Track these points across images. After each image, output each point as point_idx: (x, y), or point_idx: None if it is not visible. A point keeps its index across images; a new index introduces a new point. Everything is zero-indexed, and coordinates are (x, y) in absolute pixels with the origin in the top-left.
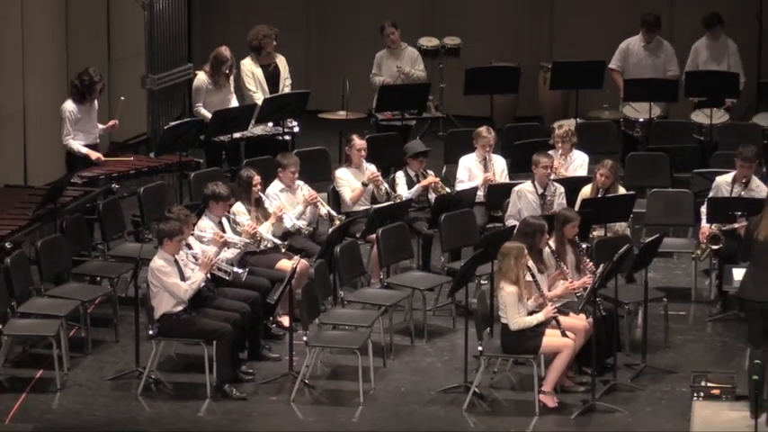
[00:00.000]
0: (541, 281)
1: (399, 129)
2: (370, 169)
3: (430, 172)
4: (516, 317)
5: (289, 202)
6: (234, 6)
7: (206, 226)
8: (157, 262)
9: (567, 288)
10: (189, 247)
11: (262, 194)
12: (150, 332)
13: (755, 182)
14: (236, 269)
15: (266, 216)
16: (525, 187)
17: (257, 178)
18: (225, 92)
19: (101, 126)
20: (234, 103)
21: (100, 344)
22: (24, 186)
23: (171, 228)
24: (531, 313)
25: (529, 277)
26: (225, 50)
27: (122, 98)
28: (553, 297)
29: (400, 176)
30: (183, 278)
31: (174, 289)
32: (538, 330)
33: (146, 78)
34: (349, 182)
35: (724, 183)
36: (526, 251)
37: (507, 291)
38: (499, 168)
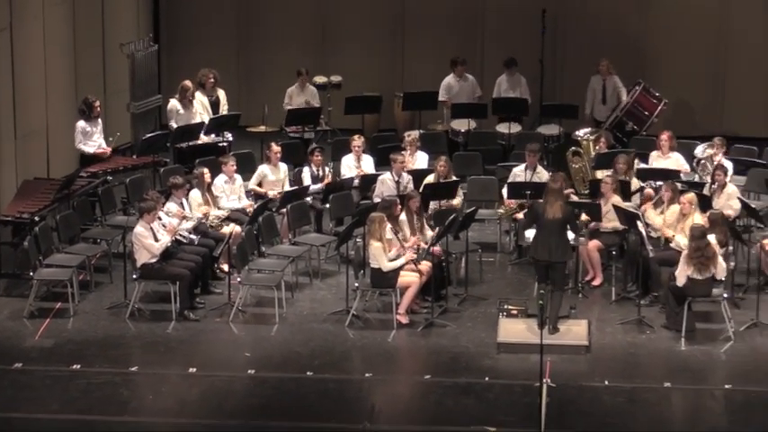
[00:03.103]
0: (396, 239)
1: (302, 138)
2: (283, 167)
3: (329, 169)
4: (381, 263)
5: (229, 189)
6: (188, 57)
7: (171, 205)
8: (138, 229)
9: (415, 243)
10: (160, 219)
11: (210, 182)
12: (134, 276)
13: (539, 169)
14: (192, 236)
15: (213, 199)
16: (386, 176)
17: (206, 171)
18: (189, 112)
19: (104, 144)
20: (199, 119)
21: (100, 284)
22: (47, 179)
23: (147, 206)
24: (391, 261)
25: (389, 236)
26: (188, 83)
27: (118, 134)
28: (406, 249)
29: (306, 170)
30: (156, 240)
31: (149, 247)
32: (395, 272)
33: (129, 105)
34: (267, 175)
35: (519, 171)
36: (386, 218)
37: (374, 245)
38: (368, 164)
